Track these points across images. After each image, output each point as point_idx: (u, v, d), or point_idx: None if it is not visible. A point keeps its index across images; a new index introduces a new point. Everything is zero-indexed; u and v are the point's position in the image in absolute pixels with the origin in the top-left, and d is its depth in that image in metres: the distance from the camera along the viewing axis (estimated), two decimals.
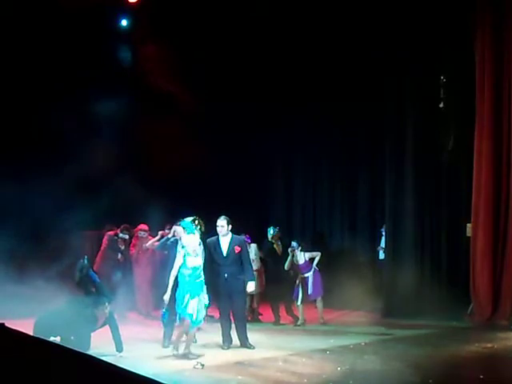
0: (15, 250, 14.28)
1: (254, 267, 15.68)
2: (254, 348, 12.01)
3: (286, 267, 15.16)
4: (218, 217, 14.50)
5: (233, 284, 12.08)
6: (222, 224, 12.17)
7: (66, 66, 16.54)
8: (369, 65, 16.74)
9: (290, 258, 15.11)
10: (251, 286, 12.23)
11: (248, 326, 14.74)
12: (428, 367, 10.55)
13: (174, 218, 13.19)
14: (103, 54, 17.08)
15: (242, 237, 12.98)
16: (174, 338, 11.70)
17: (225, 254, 12.13)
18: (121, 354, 10.91)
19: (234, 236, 12.38)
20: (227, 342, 12.14)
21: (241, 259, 12.21)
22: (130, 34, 17.85)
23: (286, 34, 17.02)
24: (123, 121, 17.54)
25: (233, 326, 12.33)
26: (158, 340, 11.94)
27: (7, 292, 13.07)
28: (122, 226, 15.41)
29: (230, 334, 12.23)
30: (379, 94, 16.64)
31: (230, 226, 12.26)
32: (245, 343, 12.12)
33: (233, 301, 12.14)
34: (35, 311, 12.00)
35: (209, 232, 12.85)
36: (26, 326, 9.65)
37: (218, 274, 12.12)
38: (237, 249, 12.13)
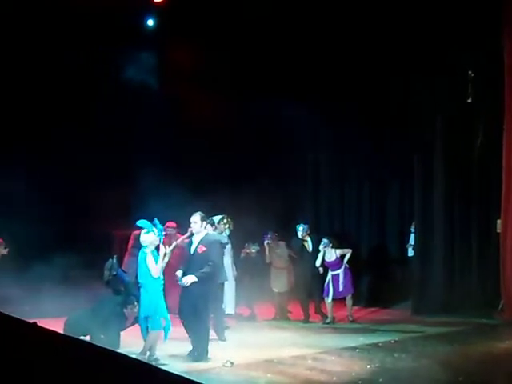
0: (51, 250, 14.43)
1: (283, 265, 15.69)
2: (195, 361, 10.73)
3: (317, 264, 15.10)
4: (247, 216, 14.44)
5: (193, 286, 10.78)
6: (195, 220, 11.11)
7: (93, 66, 16.68)
8: (396, 62, 16.61)
9: (321, 254, 15.04)
10: (187, 278, 10.70)
11: (277, 323, 14.81)
12: (458, 365, 10.52)
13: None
14: (129, 53, 17.18)
15: (214, 237, 11.88)
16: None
17: (192, 251, 11.07)
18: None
19: (208, 235, 11.40)
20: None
21: (207, 261, 10.91)
22: (157, 34, 17.86)
23: (313, 32, 16.93)
24: (152, 119, 17.69)
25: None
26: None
27: (40, 291, 13.20)
28: None
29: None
30: (408, 92, 16.53)
31: (205, 223, 11.32)
32: (201, 357, 10.81)
33: (194, 305, 10.88)
34: (67, 310, 12.11)
35: (237, 231, 12.86)
36: (57, 325, 9.75)
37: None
38: (200, 248, 10.98)
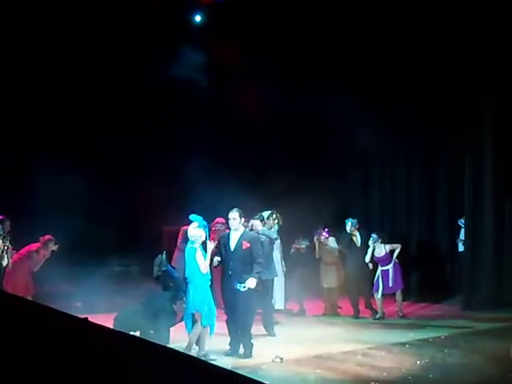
0: (102, 247, 14.62)
1: (333, 260, 15.66)
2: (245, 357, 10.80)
3: (366, 259, 15.04)
4: (297, 211, 14.35)
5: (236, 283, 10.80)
6: (234, 216, 11.04)
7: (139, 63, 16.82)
8: (447, 61, 16.45)
9: (370, 250, 14.98)
10: (250, 282, 10.67)
11: (327, 319, 14.79)
12: (508, 361, 10.40)
13: (249, 211, 13.01)
14: (177, 50, 17.26)
15: (255, 234, 12.03)
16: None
17: (232, 248, 10.96)
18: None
19: (246, 231, 11.47)
20: (232, 350, 11.05)
21: (251, 257, 10.93)
22: (204, 31, 17.91)
23: (365, 32, 16.87)
24: (203, 115, 17.81)
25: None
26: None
27: (91, 288, 13.37)
28: None
29: (236, 342, 11.06)
30: (458, 89, 16.38)
31: (243, 220, 11.32)
32: (248, 353, 10.88)
33: (236, 303, 10.85)
34: (117, 306, 12.24)
35: (287, 227, 12.78)
36: (108, 320, 9.87)
37: (224, 271, 11.08)
38: (245, 244, 10.91)
